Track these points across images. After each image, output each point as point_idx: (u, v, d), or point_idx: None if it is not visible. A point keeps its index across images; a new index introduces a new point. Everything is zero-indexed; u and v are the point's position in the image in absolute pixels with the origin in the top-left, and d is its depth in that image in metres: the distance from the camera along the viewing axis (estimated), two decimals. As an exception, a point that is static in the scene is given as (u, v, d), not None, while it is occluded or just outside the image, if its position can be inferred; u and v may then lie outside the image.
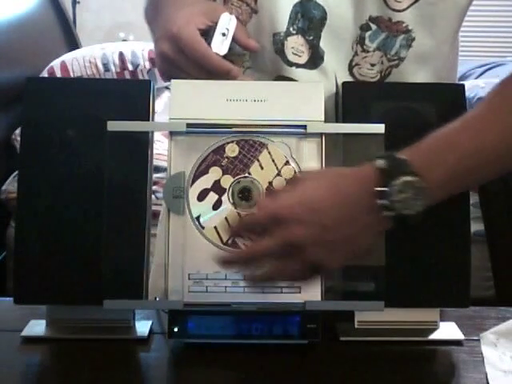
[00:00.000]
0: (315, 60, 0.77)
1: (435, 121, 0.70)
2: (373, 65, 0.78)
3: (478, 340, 0.69)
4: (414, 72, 0.78)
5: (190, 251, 0.66)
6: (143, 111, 0.68)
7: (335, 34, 0.77)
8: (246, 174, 0.67)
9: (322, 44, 0.77)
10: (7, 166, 1.98)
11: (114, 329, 0.68)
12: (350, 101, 0.70)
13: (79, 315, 0.68)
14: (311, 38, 0.77)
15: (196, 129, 0.67)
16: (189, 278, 0.66)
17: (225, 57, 0.72)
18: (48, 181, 0.68)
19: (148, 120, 0.68)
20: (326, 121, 0.69)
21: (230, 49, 0.72)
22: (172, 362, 0.66)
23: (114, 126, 0.66)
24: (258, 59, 0.78)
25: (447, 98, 0.71)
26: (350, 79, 0.77)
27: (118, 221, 0.66)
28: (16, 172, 1.77)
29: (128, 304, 0.66)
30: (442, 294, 0.69)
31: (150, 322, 0.70)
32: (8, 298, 0.69)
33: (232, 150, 0.67)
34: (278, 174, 0.67)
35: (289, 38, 0.77)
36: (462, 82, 0.71)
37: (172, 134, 0.67)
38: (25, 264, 0.67)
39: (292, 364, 0.65)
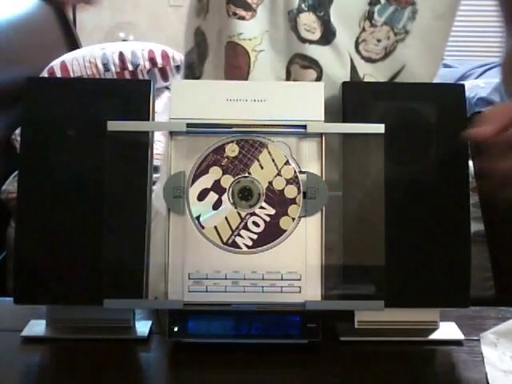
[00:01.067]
0: (327, 36, 0.77)
1: (435, 121, 0.70)
2: (379, 40, 0.79)
3: (478, 340, 0.69)
4: (417, 47, 0.79)
5: (190, 251, 0.66)
6: (143, 111, 0.69)
7: (343, 10, 0.77)
8: (246, 174, 0.67)
9: (332, 20, 0.77)
10: (7, 166, 1.98)
11: (113, 329, 0.68)
12: (349, 101, 0.70)
13: (79, 315, 0.68)
14: (322, 14, 0.77)
15: (196, 129, 0.67)
16: (189, 278, 0.66)
17: None
18: (48, 181, 0.68)
19: (148, 120, 0.69)
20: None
21: None
22: (172, 362, 0.66)
23: (114, 126, 0.66)
24: (272, 39, 0.78)
25: (447, 98, 0.71)
26: (356, 56, 0.78)
27: (118, 221, 0.66)
28: (16, 172, 1.77)
29: (128, 304, 0.66)
30: (442, 294, 0.69)
31: (149, 322, 0.70)
32: (8, 298, 0.69)
33: (232, 150, 0.67)
34: (278, 174, 0.67)
35: (301, 15, 0.77)
36: (462, 82, 0.71)
37: (172, 134, 0.67)
38: (25, 264, 0.67)
39: (292, 364, 0.65)
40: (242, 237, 0.66)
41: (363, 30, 0.78)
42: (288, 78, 0.78)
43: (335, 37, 0.77)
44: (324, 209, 0.67)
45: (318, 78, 0.78)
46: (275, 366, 0.65)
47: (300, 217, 0.67)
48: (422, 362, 0.67)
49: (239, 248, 0.66)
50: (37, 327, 0.69)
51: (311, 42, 0.77)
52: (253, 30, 0.77)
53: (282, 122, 0.67)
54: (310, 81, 0.78)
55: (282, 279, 0.66)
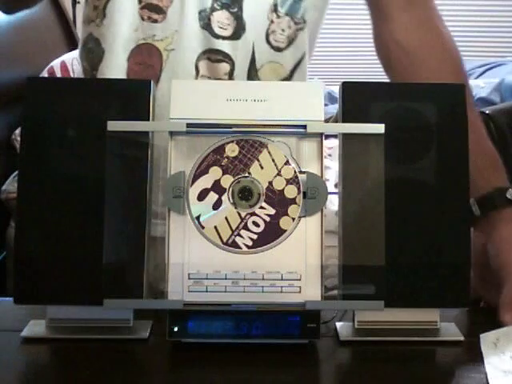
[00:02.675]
0: (239, 31, 0.85)
1: (435, 121, 0.70)
2: (283, 30, 0.87)
3: (478, 340, 0.69)
4: (307, 35, 0.89)
5: (190, 251, 0.66)
6: (143, 111, 0.69)
7: (254, 4, 0.85)
8: (246, 174, 0.67)
9: (244, 15, 0.84)
10: (7, 166, 1.98)
11: (113, 329, 0.68)
12: (349, 101, 0.70)
13: (79, 315, 0.68)
14: (235, 10, 0.84)
15: (196, 129, 0.67)
16: (189, 278, 0.66)
17: None
18: (48, 181, 0.68)
19: (148, 120, 0.69)
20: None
21: None
22: (172, 362, 0.66)
23: (114, 126, 0.67)
24: (182, 38, 0.84)
25: (447, 98, 0.71)
26: (267, 47, 0.86)
27: (118, 220, 0.66)
28: (16, 172, 1.77)
29: (128, 304, 0.66)
30: (442, 293, 0.69)
31: (150, 322, 0.70)
32: (8, 298, 0.69)
33: (232, 150, 0.67)
34: (278, 174, 0.67)
35: (214, 13, 0.84)
36: (462, 82, 0.71)
37: (172, 134, 0.67)
38: (25, 264, 0.67)
39: (292, 364, 0.65)
40: (242, 237, 0.66)
41: (271, 22, 0.86)
42: (197, 74, 0.85)
43: (245, 31, 0.85)
44: (324, 209, 0.67)
45: (231, 71, 0.85)
46: (275, 366, 0.65)
47: (300, 217, 0.67)
48: (422, 362, 0.67)
49: (239, 248, 0.66)
50: (37, 327, 0.69)
51: (224, 37, 0.85)
52: (164, 31, 0.85)
53: (282, 122, 0.67)
54: (223, 74, 0.85)
55: (281, 279, 0.66)
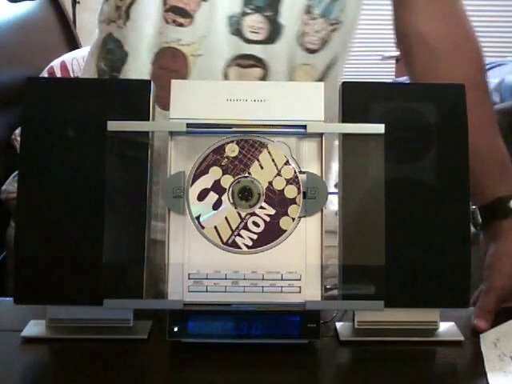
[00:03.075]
0: (273, 35, 0.81)
1: (435, 121, 0.70)
2: (317, 31, 0.84)
3: (478, 340, 0.69)
4: (345, 37, 0.87)
5: (190, 251, 0.66)
6: (143, 111, 0.68)
7: (290, 7, 0.81)
8: (246, 174, 0.67)
9: (281, 19, 0.81)
10: (7, 166, 1.98)
11: (113, 329, 0.68)
12: (349, 101, 0.70)
13: (79, 315, 0.68)
14: (271, 13, 0.81)
15: (196, 129, 0.67)
16: (189, 278, 0.66)
17: None
18: (48, 181, 0.68)
19: (148, 120, 0.68)
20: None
21: None
22: (172, 362, 0.66)
23: (114, 126, 0.67)
24: (211, 44, 0.81)
25: (447, 98, 0.71)
26: (299, 49, 0.83)
27: (118, 220, 0.66)
28: (16, 172, 1.76)
29: (128, 304, 0.66)
30: (442, 294, 0.69)
31: (150, 322, 0.70)
32: (8, 298, 0.69)
33: (232, 150, 0.67)
34: (278, 174, 0.67)
35: (246, 18, 0.80)
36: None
37: (172, 134, 0.67)
38: (25, 264, 0.67)
39: (292, 364, 0.65)
40: (241, 237, 0.66)
41: (305, 23, 0.83)
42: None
43: (281, 35, 0.81)
44: (324, 209, 0.67)
45: (264, 76, 0.82)
46: (275, 365, 0.65)
47: (300, 217, 0.67)
48: (422, 362, 0.67)
49: (239, 248, 0.66)
50: (37, 327, 0.69)
51: (257, 42, 0.81)
52: (191, 36, 0.81)
53: (282, 122, 0.67)
54: (255, 79, 0.82)
55: (281, 279, 0.66)
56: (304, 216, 0.67)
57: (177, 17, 0.81)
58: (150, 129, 0.68)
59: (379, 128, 0.67)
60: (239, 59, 0.81)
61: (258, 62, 0.82)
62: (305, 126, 0.67)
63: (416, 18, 0.87)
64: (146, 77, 0.82)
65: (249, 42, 0.81)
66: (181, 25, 0.81)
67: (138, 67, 0.82)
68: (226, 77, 0.81)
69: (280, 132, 0.67)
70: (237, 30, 0.81)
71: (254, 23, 0.81)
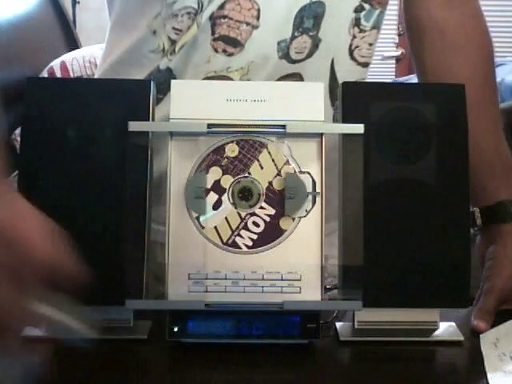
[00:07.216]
0: (311, 49, 0.80)
1: (435, 121, 0.70)
2: (371, 44, 0.82)
3: (478, 340, 0.69)
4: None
5: (190, 251, 0.66)
6: (143, 111, 0.68)
7: (332, 22, 0.80)
8: (246, 174, 0.67)
9: (320, 34, 0.80)
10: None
11: (113, 329, 0.68)
12: (349, 101, 0.70)
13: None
14: (314, 32, 0.79)
15: (217, 129, 0.67)
16: (189, 278, 0.66)
17: None
18: (48, 181, 0.67)
19: (148, 120, 0.68)
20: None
21: None
22: (172, 362, 0.66)
23: (135, 126, 0.67)
24: (258, 68, 0.79)
25: (447, 98, 0.71)
26: (352, 63, 0.81)
27: (117, 221, 0.66)
28: (16, 172, 1.77)
29: (150, 304, 0.66)
30: (442, 294, 0.69)
31: (150, 322, 0.70)
32: (8, 298, 0.69)
33: (232, 150, 0.67)
34: (278, 174, 0.67)
35: (293, 41, 0.79)
36: (462, 82, 0.71)
37: (172, 135, 0.67)
38: (25, 264, 0.67)
39: (292, 364, 0.65)
40: (241, 237, 0.66)
41: (354, 37, 0.81)
42: None
43: (318, 49, 0.80)
44: (324, 209, 0.67)
45: None
46: (275, 365, 0.65)
47: (300, 217, 0.67)
48: (422, 362, 0.67)
49: (239, 248, 0.66)
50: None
51: (300, 61, 0.80)
52: (240, 62, 0.79)
53: (282, 122, 0.67)
54: None
55: (281, 279, 0.66)
56: (304, 216, 0.67)
57: (227, 46, 0.79)
58: (171, 129, 0.67)
59: (358, 128, 0.67)
60: (283, 79, 0.80)
61: (296, 76, 0.81)
62: (284, 126, 0.67)
63: (430, 3, 0.84)
64: None
65: (294, 62, 0.80)
66: (231, 54, 0.79)
67: None
68: None
69: (280, 132, 0.67)
70: (285, 55, 0.79)
71: (300, 44, 0.79)
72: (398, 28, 3.34)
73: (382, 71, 3.47)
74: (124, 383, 0.62)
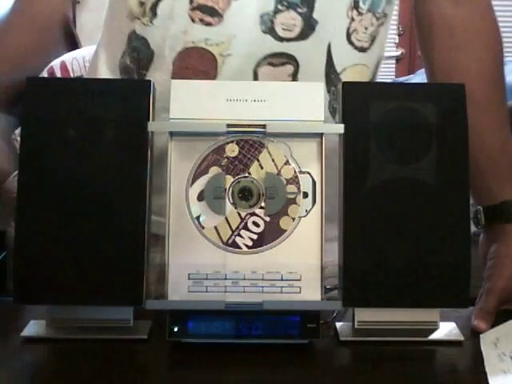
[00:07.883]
0: (306, 31, 0.78)
1: (435, 121, 0.70)
2: (366, 28, 0.81)
3: (478, 340, 0.69)
4: (386, 30, 0.84)
5: (190, 251, 0.66)
6: (143, 111, 0.68)
7: (329, 3, 0.78)
8: (246, 174, 0.67)
9: (315, 15, 0.78)
10: (7, 166, 1.97)
11: (113, 329, 0.68)
12: (349, 101, 0.70)
13: (79, 315, 0.68)
14: (305, 10, 0.77)
15: (235, 129, 0.67)
16: (189, 278, 0.66)
17: None
18: (48, 181, 0.67)
19: (148, 120, 0.68)
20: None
21: None
22: (172, 362, 0.66)
23: (154, 126, 0.67)
24: (241, 44, 0.77)
25: (447, 98, 0.71)
26: (348, 47, 0.80)
27: (117, 220, 0.66)
28: (16, 172, 1.76)
29: (169, 304, 0.66)
30: (442, 294, 0.69)
31: (150, 322, 0.70)
32: (8, 298, 0.69)
33: (232, 150, 0.67)
34: (278, 174, 0.67)
35: (278, 16, 0.77)
36: (462, 82, 0.71)
37: (172, 134, 0.67)
38: (25, 264, 0.67)
39: (292, 364, 0.65)
40: (242, 237, 0.66)
41: (352, 19, 0.79)
42: (255, 80, 0.78)
43: (314, 31, 0.78)
44: (324, 209, 0.67)
45: (295, 73, 0.79)
46: (275, 365, 0.65)
47: (300, 217, 0.67)
48: (422, 362, 0.67)
49: (239, 248, 0.66)
50: (37, 327, 0.69)
51: (289, 39, 0.78)
52: (220, 36, 0.77)
53: (282, 122, 0.67)
54: (287, 76, 0.78)
55: (281, 279, 0.66)
56: (304, 216, 0.67)
57: (204, 15, 0.77)
58: (191, 129, 0.67)
59: (339, 128, 0.67)
60: (271, 58, 0.78)
61: (289, 58, 0.78)
62: (264, 126, 0.67)
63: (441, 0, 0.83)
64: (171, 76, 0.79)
65: (281, 39, 0.78)
66: (209, 24, 0.77)
67: (163, 67, 0.79)
68: (256, 76, 0.78)
69: (280, 132, 0.67)
70: (269, 29, 0.77)
71: (287, 20, 0.77)
72: (398, 28, 3.33)
73: (382, 71, 3.47)
74: (124, 383, 0.62)
